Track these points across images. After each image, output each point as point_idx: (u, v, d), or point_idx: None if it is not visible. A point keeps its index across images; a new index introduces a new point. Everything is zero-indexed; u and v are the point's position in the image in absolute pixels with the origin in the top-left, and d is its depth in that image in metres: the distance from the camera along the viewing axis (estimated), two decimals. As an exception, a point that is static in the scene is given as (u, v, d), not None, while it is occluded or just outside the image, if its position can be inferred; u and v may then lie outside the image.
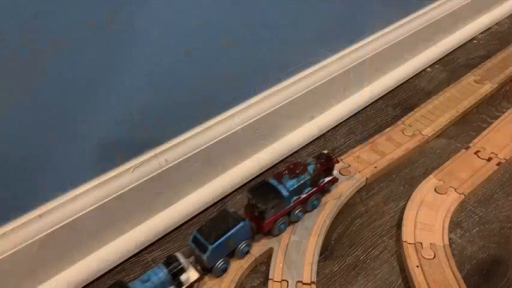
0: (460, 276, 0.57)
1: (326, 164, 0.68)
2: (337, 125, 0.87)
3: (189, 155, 0.66)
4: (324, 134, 0.86)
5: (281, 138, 0.81)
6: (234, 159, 0.75)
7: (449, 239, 0.64)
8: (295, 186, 0.64)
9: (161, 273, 0.55)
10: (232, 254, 0.61)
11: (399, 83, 0.97)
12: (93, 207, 0.59)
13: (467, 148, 0.78)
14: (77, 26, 0.48)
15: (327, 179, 0.69)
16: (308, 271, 0.59)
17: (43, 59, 0.47)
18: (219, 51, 0.63)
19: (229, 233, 0.58)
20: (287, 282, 0.58)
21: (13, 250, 0.54)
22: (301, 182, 0.65)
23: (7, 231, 0.54)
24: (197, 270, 0.58)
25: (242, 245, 0.61)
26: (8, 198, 0.53)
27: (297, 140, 0.82)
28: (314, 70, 0.80)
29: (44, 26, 0.46)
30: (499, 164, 0.74)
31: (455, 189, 0.70)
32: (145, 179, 0.63)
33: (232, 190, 0.75)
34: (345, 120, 0.89)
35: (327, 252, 0.65)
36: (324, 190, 0.70)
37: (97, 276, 0.63)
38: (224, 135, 0.70)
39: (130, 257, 0.66)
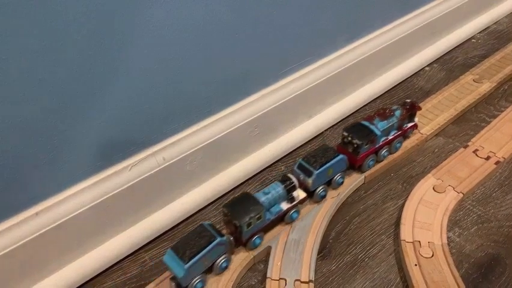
0: (458, 275, 0.57)
1: (411, 109, 0.76)
2: (335, 124, 0.87)
3: (187, 153, 0.66)
4: (322, 132, 0.86)
5: (279, 136, 0.81)
6: (232, 158, 0.75)
7: (448, 237, 0.64)
8: (385, 127, 0.72)
9: (278, 187, 0.64)
10: (329, 183, 0.70)
11: (398, 81, 0.97)
12: (90, 205, 0.59)
13: (465, 147, 0.78)
14: (77, 26, 0.48)
15: (409, 125, 0.77)
16: (306, 269, 0.59)
17: (43, 58, 0.47)
18: (217, 50, 0.63)
19: (331, 162, 0.67)
20: (285, 280, 0.58)
21: (10, 248, 0.54)
22: (390, 124, 0.73)
23: (4, 229, 0.53)
24: (304, 191, 0.67)
25: (338, 176, 0.70)
26: (5, 196, 0.53)
27: (295, 138, 0.82)
28: (312, 69, 0.79)
29: (44, 26, 0.45)
30: (497, 162, 0.74)
31: (454, 188, 0.70)
32: (142, 177, 0.63)
33: (230, 188, 0.75)
34: (343, 119, 0.89)
35: (325, 250, 0.65)
36: (406, 135, 0.78)
37: (95, 274, 0.63)
38: (222, 134, 0.69)
39: (128, 256, 0.65)
